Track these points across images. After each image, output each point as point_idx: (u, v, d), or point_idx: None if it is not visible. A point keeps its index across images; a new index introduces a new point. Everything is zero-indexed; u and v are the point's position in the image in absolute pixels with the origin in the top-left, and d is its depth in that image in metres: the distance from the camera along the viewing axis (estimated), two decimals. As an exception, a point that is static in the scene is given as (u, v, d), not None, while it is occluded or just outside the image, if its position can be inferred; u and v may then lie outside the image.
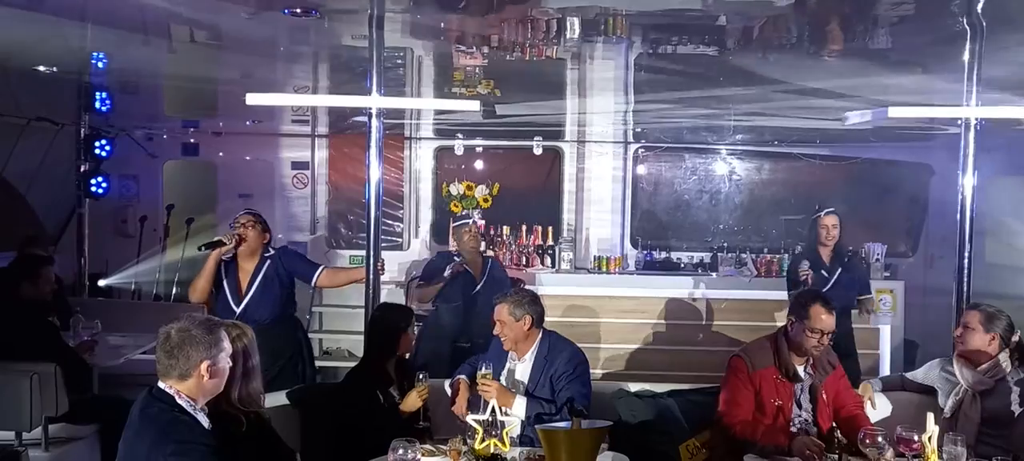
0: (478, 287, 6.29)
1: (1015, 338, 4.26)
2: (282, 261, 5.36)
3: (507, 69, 8.31)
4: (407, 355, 4.60)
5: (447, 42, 7.97)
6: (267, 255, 5.32)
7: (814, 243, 6.38)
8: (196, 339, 2.98)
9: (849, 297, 6.31)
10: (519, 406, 4.16)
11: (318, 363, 8.57)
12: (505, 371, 4.38)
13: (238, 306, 5.19)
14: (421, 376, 4.23)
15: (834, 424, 4.23)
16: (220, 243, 5.15)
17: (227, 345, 3.10)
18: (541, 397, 4.22)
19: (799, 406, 4.29)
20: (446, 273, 6.27)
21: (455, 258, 6.42)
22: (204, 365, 2.97)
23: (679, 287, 7.70)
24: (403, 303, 6.54)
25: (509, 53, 8.03)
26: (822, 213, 6.40)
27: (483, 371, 4.20)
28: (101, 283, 8.58)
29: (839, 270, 6.28)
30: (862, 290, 6.51)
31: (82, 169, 8.62)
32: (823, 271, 6.24)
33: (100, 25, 6.67)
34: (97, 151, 8.65)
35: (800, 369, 4.28)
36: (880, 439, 3.64)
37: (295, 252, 5.74)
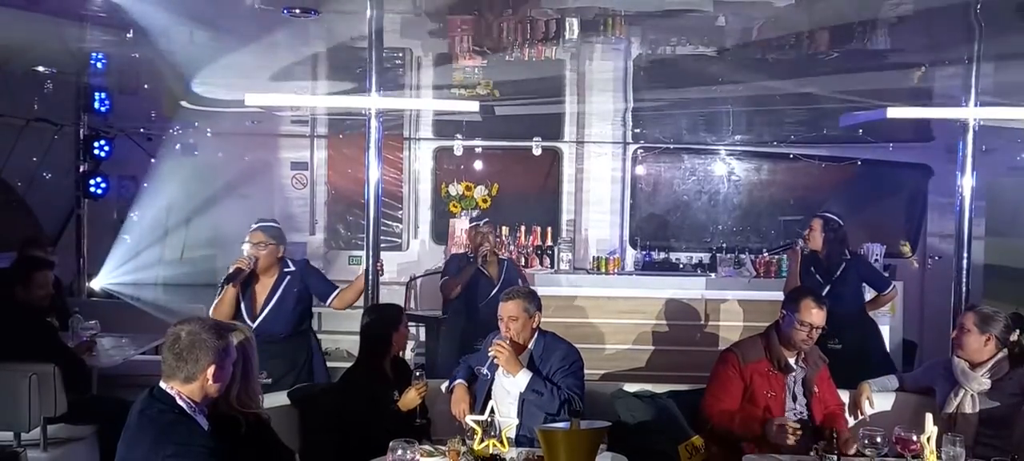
0: (495, 290, 6.32)
1: (1013, 338, 4.28)
2: (302, 278, 5.24)
3: (506, 70, 8.31)
4: (401, 353, 4.61)
5: (447, 42, 7.97)
6: (286, 270, 5.20)
7: None
8: (206, 343, 2.98)
9: (849, 307, 6.08)
10: (523, 377, 4.18)
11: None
12: (499, 372, 4.38)
13: (252, 322, 5.03)
14: (418, 373, 4.25)
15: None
16: (239, 271, 4.98)
17: (233, 351, 3.10)
18: (542, 381, 4.22)
19: (793, 399, 4.33)
20: (476, 263, 6.38)
21: (470, 258, 6.46)
22: (211, 369, 2.97)
23: (678, 288, 7.70)
24: (402, 304, 6.55)
25: (508, 54, 8.04)
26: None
27: (498, 340, 4.23)
28: (91, 286, 8.55)
29: (833, 283, 6.06)
30: (878, 288, 6.34)
31: (81, 169, 8.62)
32: (818, 277, 6.13)
33: (99, 26, 6.68)
34: (96, 152, 8.64)
35: (791, 361, 4.33)
36: (879, 439, 3.66)
37: (316, 270, 5.55)
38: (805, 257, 6.25)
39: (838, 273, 6.09)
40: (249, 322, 5.00)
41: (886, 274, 7.57)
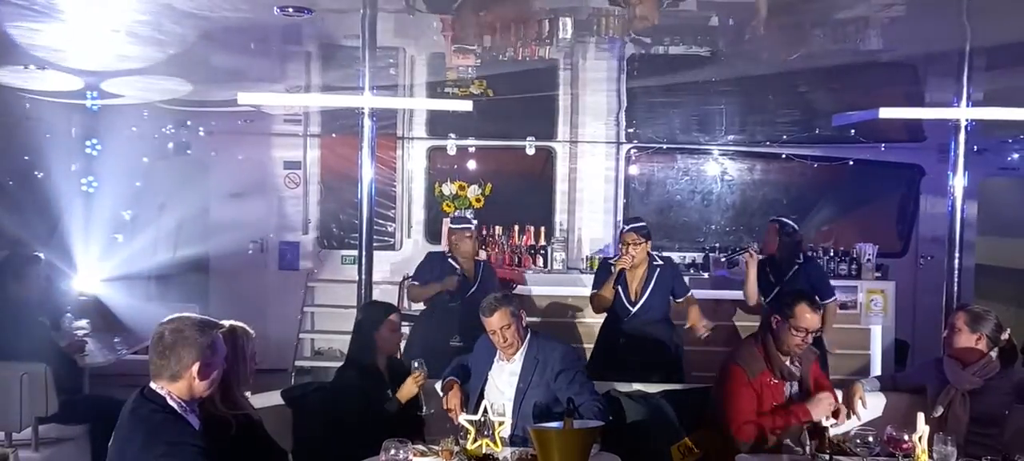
0: (472, 289, 6.25)
1: (1003, 337, 4.30)
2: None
3: (500, 69, 8.31)
4: (395, 354, 4.59)
5: (440, 42, 7.96)
6: (656, 264, 5.66)
7: None
8: (189, 340, 2.95)
9: None
10: None
11: (309, 363, 8.62)
12: (492, 372, 4.37)
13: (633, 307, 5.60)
14: (417, 363, 4.23)
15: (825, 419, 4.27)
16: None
17: (221, 347, 3.08)
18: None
19: (791, 401, 4.33)
20: (449, 284, 5.99)
21: (450, 260, 6.35)
22: (196, 367, 2.95)
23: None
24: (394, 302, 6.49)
25: (502, 53, 8.03)
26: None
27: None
28: (82, 285, 8.49)
29: (783, 283, 6.09)
30: (821, 295, 6.34)
31: (73, 168, 8.58)
32: (771, 277, 6.17)
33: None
34: (88, 150, 8.61)
35: (792, 368, 4.33)
36: (870, 439, 3.67)
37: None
38: (761, 261, 6.31)
39: (789, 275, 6.15)
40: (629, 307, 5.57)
41: (877, 275, 7.60)
